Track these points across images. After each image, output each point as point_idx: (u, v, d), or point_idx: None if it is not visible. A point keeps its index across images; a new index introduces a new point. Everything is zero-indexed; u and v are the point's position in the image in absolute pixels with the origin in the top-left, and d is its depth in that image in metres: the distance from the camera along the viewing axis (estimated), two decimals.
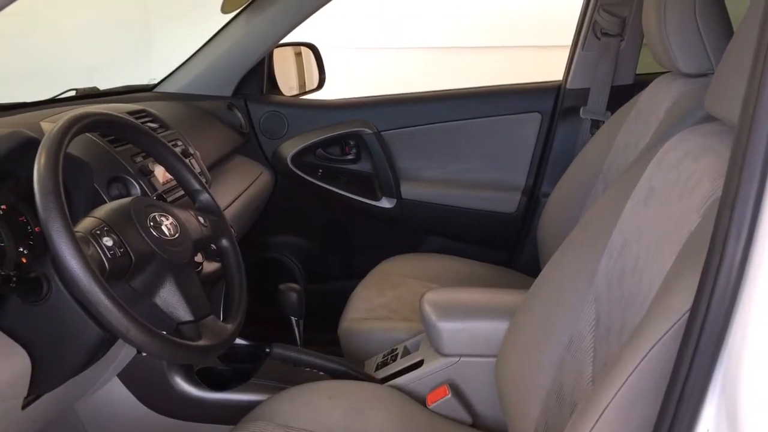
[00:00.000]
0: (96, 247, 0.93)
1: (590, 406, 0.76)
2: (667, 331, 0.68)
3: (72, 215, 0.93)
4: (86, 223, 0.96)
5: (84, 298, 0.86)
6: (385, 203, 2.17)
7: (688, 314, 0.63)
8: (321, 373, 1.52)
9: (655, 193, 0.95)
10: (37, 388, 1.04)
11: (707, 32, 1.31)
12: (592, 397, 0.77)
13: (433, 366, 1.41)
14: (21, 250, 1.05)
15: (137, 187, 1.27)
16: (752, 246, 0.56)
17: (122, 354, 1.37)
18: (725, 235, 0.57)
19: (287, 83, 2.28)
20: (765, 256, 0.55)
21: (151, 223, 1.03)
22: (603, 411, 0.73)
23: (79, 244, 0.86)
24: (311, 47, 2.31)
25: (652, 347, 0.69)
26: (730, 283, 0.56)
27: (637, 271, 0.92)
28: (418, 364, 1.44)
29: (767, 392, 0.53)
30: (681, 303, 0.68)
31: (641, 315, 0.80)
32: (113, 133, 1.26)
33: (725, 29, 1.32)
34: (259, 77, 2.17)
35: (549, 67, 2.36)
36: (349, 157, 2.21)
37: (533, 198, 2.13)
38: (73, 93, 1.75)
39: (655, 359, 0.69)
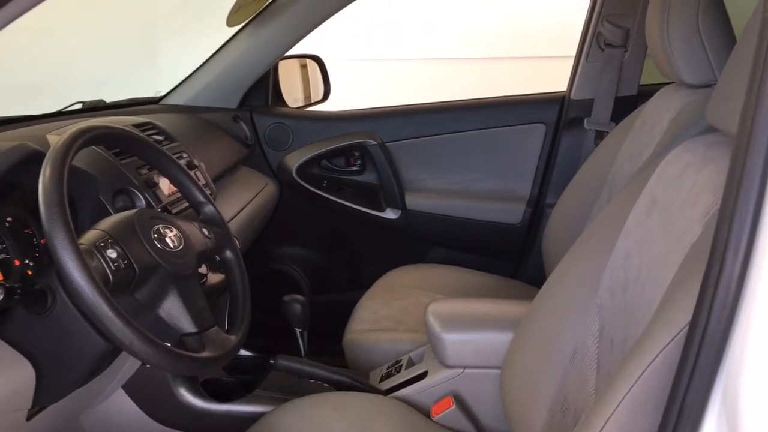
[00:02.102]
0: (100, 259, 0.93)
1: (592, 418, 0.75)
2: (669, 343, 0.68)
3: (77, 227, 0.94)
4: (90, 236, 0.97)
5: (88, 310, 0.87)
6: (390, 214, 2.17)
7: (688, 327, 0.63)
8: (325, 384, 1.52)
9: (657, 204, 0.95)
10: (41, 400, 1.04)
11: (710, 42, 1.31)
12: (595, 409, 0.76)
13: (438, 377, 1.41)
14: (27, 262, 1.06)
15: (142, 199, 1.28)
16: (751, 258, 0.56)
17: (127, 365, 1.37)
18: (724, 247, 0.57)
19: (292, 95, 2.29)
20: (764, 267, 0.55)
21: (155, 235, 1.04)
22: (605, 423, 0.73)
23: (83, 256, 0.87)
24: (316, 59, 2.32)
25: (654, 359, 0.69)
26: (730, 295, 0.56)
27: (640, 282, 0.91)
28: (422, 376, 1.44)
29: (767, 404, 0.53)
30: (682, 315, 0.67)
31: (644, 326, 0.80)
32: (118, 146, 1.27)
33: (728, 39, 1.32)
34: (264, 89, 2.18)
35: (553, 77, 2.36)
36: (354, 168, 2.21)
37: (538, 209, 2.13)
38: (79, 106, 1.76)
39: (656, 371, 0.69)
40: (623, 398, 0.71)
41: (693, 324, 0.60)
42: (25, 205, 1.08)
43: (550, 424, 1.06)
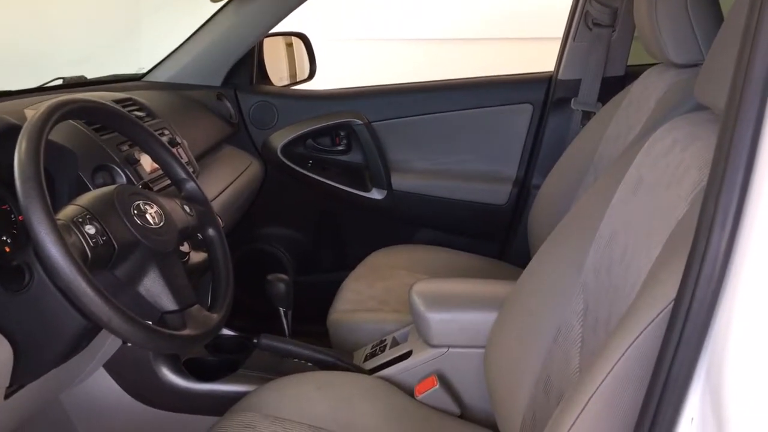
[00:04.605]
0: (78, 235, 0.91)
1: (576, 394, 0.75)
2: (653, 320, 0.68)
3: (56, 203, 0.92)
4: (68, 211, 0.95)
5: (65, 287, 0.85)
6: (376, 194, 2.16)
7: (673, 303, 0.63)
8: (309, 364, 1.52)
9: (643, 182, 0.94)
10: (19, 378, 1.02)
11: (698, 22, 1.30)
12: (579, 386, 0.76)
13: (422, 357, 1.40)
14: (4, 239, 1.04)
15: (123, 175, 1.26)
16: (737, 234, 0.55)
17: (107, 344, 1.35)
18: (711, 224, 0.56)
19: (277, 73, 2.27)
20: (750, 244, 0.54)
21: (135, 212, 1.02)
22: (589, 399, 0.73)
23: (60, 231, 0.85)
24: (302, 37, 2.30)
25: (638, 336, 0.69)
26: (715, 271, 0.56)
27: (625, 261, 0.91)
28: (407, 355, 1.44)
29: (751, 380, 0.53)
30: (667, 292, 0.67)
31: (628, 305, 0.79)
32: (98, 121, 1.24)
33: (716, 19, 1.31)
34: (248, 67, 2.15)
35: (541, 58, 2.35)
36: (340, 147, 2.20)
37: (524, 189, 2.13)
38: (60, 81, 1.73)
39: (641, 348, 0.69)
40: (608, 374, 0.71)
41: (678, 300, 0.60)
42: (1, 180, 1.06)
43: (534, 403, 1.06)
